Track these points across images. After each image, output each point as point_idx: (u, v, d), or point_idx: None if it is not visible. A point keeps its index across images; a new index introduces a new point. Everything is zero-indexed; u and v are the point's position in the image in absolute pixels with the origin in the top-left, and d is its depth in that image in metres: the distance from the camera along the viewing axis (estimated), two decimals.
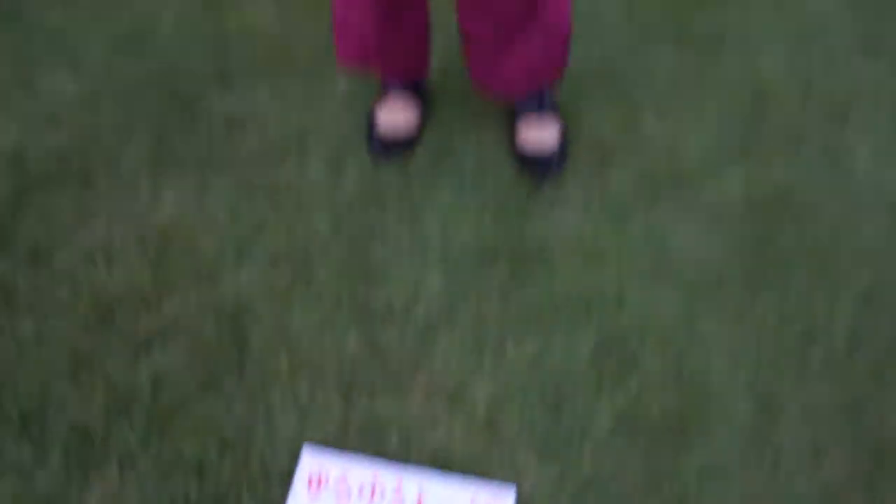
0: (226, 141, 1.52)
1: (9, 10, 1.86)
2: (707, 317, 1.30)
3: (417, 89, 1.49)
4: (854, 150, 1.57)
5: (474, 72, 1.41)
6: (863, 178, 1.52)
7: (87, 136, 1.57)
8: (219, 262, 1.36)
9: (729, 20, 1.85)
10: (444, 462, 1.15)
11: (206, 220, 1.42)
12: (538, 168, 1.41)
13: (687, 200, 1.43)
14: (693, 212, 1.42)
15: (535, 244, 1.35)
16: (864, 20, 1.88)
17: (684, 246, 1.37)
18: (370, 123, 1.48)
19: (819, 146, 1.56)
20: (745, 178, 1.48)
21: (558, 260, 1.34)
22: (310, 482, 1.13)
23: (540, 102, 1.43)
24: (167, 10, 1.84)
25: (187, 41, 1.74)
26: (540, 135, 1.42)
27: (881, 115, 1.64)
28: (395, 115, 1.45)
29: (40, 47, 1.76)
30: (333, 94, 1.58)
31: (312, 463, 1.14)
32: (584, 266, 1.33)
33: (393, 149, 1.45)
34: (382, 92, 1.49)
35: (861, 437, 1.20)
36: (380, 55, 1.39)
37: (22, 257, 1.40)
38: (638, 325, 1.27)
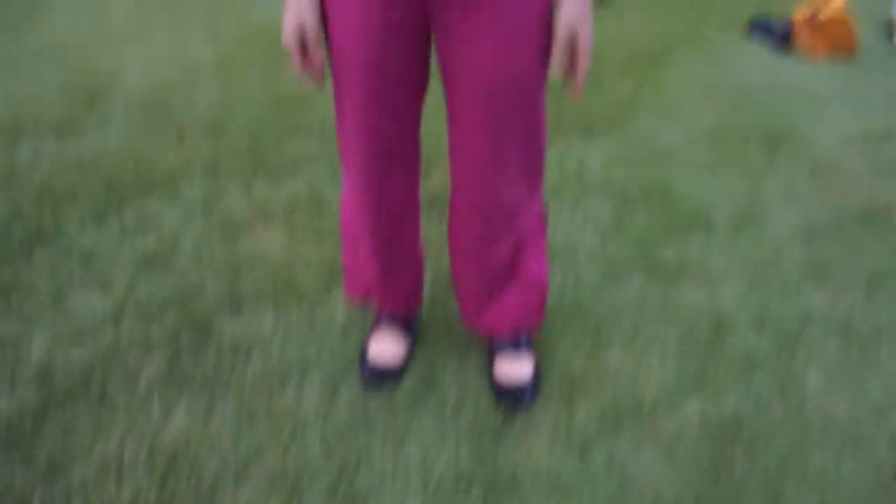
0: (232, 364, 1.69)
1: (48, 231, 2.10)
2: None
3: (408, 324, 1.67)
4: (804, 378, 1.71)
5: (463, 314, 1.61)
6: (812, 406, 1.65)
7: (109, 352, 1.74)
8: (219, 482, 1.49)
9: (692, 250, 2.06)
10: None
11: (210, 440, 1.56)
12: (512, 400, 1.56)
13: (646, 430, 1.57)
14: (652, 441, 1.55)
15: (507, 472, 1.48)
16: (814, 250, 2.09)
17: (643, 474, 1.50)
18: (363, 353, 1.66)
19: (771, 375, 1.71)
20: (700, 407, 1.62)
21: (527, 487, 1.46)
22: None
23: (517, 342, 1.61)
24: (188, 234, 2.07)
25: (204, 265, 1.96)
26: (515, 370, 1.58)
27: (830, 342, 1.80)
28: (386, 347, 1.63)
29: (74, 266, 1.98)
30: (332, 323, 1.77)
31: None
32: (551, 494, 1.45)
33: (382, 378, 1.61)
34: (376, 324, 1.67)
35: None
36: (379, 294, 1.60)
37: (40, 470, 1.53)
38: None
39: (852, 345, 1.80)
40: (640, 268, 1.98)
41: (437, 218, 2.12)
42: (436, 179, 2.28)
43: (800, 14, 3.79)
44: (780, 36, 3.77)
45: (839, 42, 3.63)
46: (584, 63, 1.21)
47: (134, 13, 4.05)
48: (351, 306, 1.82)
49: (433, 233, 2.05)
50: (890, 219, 2.28)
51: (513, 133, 1.29)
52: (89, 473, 1.52)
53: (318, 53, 1.26)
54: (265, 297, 1.85)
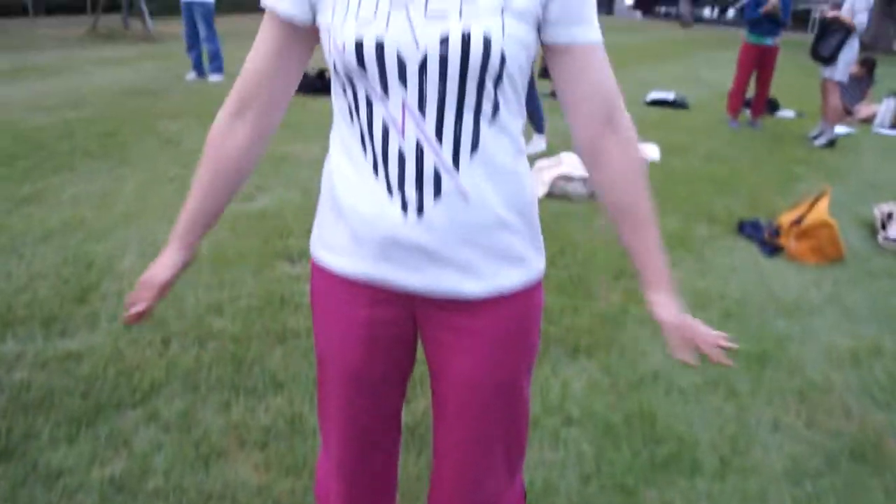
0: None
1: (17, 444, 2.04)
2: None
3: None
4: None
5: None
6: None
7: None
8: None
9: (676, 495, 1.99)
10: None
11: None
12: None
13: None
14: None
15: None
16: (803, 494, 2.02)
17: None
18: None
19: None
20: None
21: None
22: None
23: None
24: (161, 457, 2.01)
25: (173, 494, 1.88)
26: None
27: None
28: None
29: (38, 490, 1.90)
30: None
31: None
32: None
33: None
34: None
35: None
36: None
37: None
38: None
39: None
40: None
41: (416, 448, 2.06)
42: (418, 406, 2.24)
43: (786, 218, 3.89)
44: (767, 238, 3.86)
45: (825, 247, 3.71)
46: (708, 341, 1.20)
47: (140, 196, 4.17)
48: None
49: (410, 467, 1.99)
50: (883, 454, 2.23)
51: (498, 429, 1.28)
52: None
53: (143, 307, 1.27)
54: None
